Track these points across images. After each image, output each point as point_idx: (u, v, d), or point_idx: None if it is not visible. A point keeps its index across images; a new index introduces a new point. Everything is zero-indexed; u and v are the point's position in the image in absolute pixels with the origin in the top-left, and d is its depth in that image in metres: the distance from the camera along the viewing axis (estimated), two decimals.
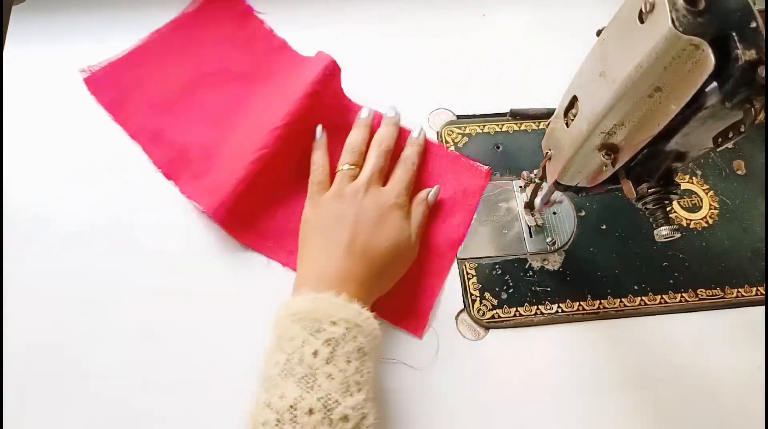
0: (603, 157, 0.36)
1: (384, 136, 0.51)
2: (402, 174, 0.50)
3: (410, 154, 0.52)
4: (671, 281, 0.51)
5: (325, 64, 0.51)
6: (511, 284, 0.50)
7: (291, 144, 0.50)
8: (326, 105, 0.53)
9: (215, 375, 0.44)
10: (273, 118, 0.50)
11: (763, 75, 0.26)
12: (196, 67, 0.56)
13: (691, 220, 0.54)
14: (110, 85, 0.54)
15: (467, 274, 0.50)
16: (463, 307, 0.49)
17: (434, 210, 0.52)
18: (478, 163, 0.54)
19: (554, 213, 0.53)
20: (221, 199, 0.48)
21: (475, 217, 0.52)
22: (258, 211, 0.50)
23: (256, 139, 0.50)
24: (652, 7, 0.27)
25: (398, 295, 0.47)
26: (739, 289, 0.51)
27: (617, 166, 0.37)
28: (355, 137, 0.51)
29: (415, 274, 0.49)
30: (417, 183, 0.52)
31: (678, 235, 0.36)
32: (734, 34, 0.26)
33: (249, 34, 0.58)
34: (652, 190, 0.36)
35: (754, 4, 0.27)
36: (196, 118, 0.54)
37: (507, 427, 0.45)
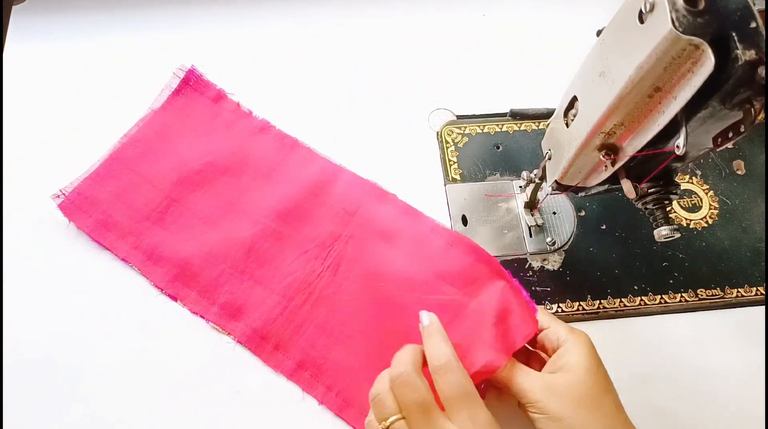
0: (603, 157, 0.36)
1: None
2: (459, 402, 0.36)
3: (441, 353, 0.38)
4: (671, 281, 0.51)
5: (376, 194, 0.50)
6: None
7: (325, 267, 0.48)
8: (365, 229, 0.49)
9: None
10: (297, 236, 0.49)
11: (763, 75, 0.26)
12: (178, 166, 0.51)
13: (690, 220, 0.54)
14: (89, 207, 0.49)
15: None
16: None
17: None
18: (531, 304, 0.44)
19: (554, 213, 0.53)
20: (253, 327, 0.46)
21: (474, 217, 0.52)
22: (295, 338, 0.46)
23: (281, 256, 0.48)
24: (652, 7, 0.27)
25: None
26: (739, 289, 0.51)
27: (617, 166, 0.37)
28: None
29: None
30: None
31: (678, 235, 0.36)
32: (734, 34, 0.26)
33: (227, 120, 0.54)
34: (652, 190, 0.36)
35: (754, 4, 0.27)
36: (190, 224, 0.49)
37: (507, 425, 0.45)
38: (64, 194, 0.49)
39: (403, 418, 0.36)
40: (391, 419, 0.36)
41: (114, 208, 0.49)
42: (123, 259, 0.48)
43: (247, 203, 0.50)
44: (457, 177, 0.54)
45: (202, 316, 0.46)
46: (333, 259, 0.48)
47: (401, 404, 0.36)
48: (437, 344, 0.38)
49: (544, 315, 0.42)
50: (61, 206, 0.48)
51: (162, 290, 0.47)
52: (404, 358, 0.38)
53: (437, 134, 0.56)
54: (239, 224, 0.49)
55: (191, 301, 0.47)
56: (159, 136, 0.52)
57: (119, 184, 0.50)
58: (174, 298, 0.47)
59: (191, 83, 0.55)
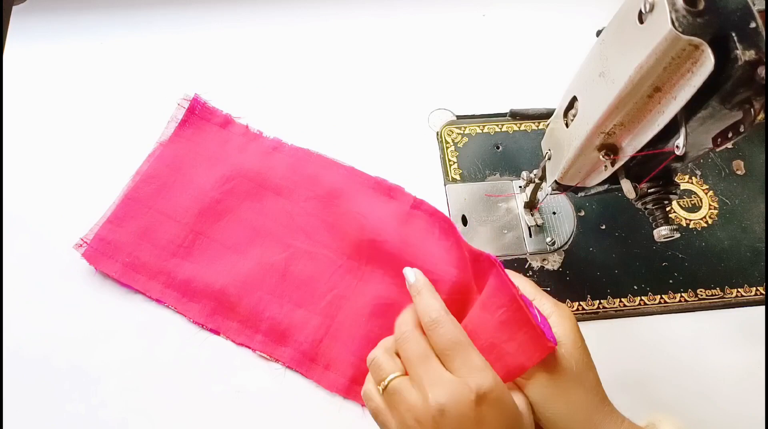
0: (603, 157, 0.36)
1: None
2: (454, 343, 0.35)
3: (427, 305, 0.38)
4: (671, 281, 0.51)
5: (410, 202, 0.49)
6: None
7: (357, 277, 0.48)
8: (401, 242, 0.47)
9: None
10: (327, 252, 0.48)
11: (763, 75, 0.26)
12: (197, 198, 0.50)
13: (690, 220, 0.54)
14: (114, 251, 0.47)
15: None
16: None
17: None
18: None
19: (554, 213, 0.53)
20: (301, 351, 0.45)
21: (474, 217, 0.52)
22: (344, 355, 0.45)
23: (316, 275, 0.47)
24: (652, 7, 0.27)
25: None
26: (739, 289, 0.51)
27: (617, 166, 0.37)
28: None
29: None
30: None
31: (677, 235, 0.36)
32: (734, 34, 0.26)
33: (239, 144, 0.53)
34: (652, 190, 0.36)
35: (754, 4, 0.27)
36: (219, 255, 0.48)
37: None
38: (86, 242, 0.47)
39: (401, 375, 0.36)
40: (389, 377, 0.35)
41: (139, 249, 0.48)
42: (156, 300, 0.46)
43: (273, 226, 0.50)
44: (457, 177, 0.54)
45: (247, 346, 0.46)
46: (360, 270, 0.48)
47: (405, 360, 0.36)
48: (426, 300, 0.38)
49: (530, 287, 0.41)
50: (85, 255, 0.47)
51: (202, 325, 0.46)
52: (405, 319, 0.38)
53: (437, 134, 0.56)
54: (269, 249, 0.49)
55: (234, 332, 0.46)
56: (172, 169, 0.51)
57: (140, 223, 0.48)
58: (216, 332, 0.46)
59: (196, 112, 0.54)
